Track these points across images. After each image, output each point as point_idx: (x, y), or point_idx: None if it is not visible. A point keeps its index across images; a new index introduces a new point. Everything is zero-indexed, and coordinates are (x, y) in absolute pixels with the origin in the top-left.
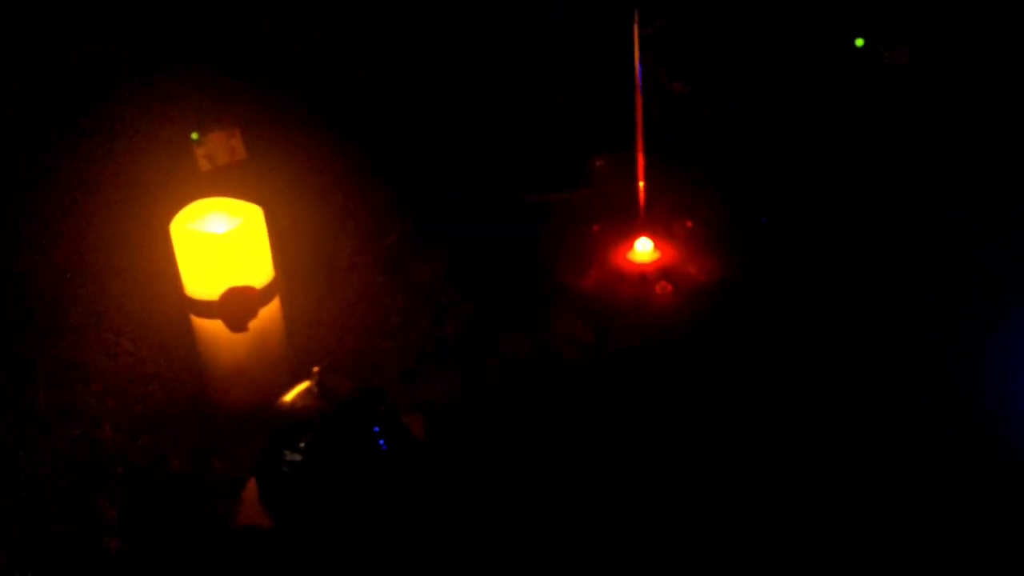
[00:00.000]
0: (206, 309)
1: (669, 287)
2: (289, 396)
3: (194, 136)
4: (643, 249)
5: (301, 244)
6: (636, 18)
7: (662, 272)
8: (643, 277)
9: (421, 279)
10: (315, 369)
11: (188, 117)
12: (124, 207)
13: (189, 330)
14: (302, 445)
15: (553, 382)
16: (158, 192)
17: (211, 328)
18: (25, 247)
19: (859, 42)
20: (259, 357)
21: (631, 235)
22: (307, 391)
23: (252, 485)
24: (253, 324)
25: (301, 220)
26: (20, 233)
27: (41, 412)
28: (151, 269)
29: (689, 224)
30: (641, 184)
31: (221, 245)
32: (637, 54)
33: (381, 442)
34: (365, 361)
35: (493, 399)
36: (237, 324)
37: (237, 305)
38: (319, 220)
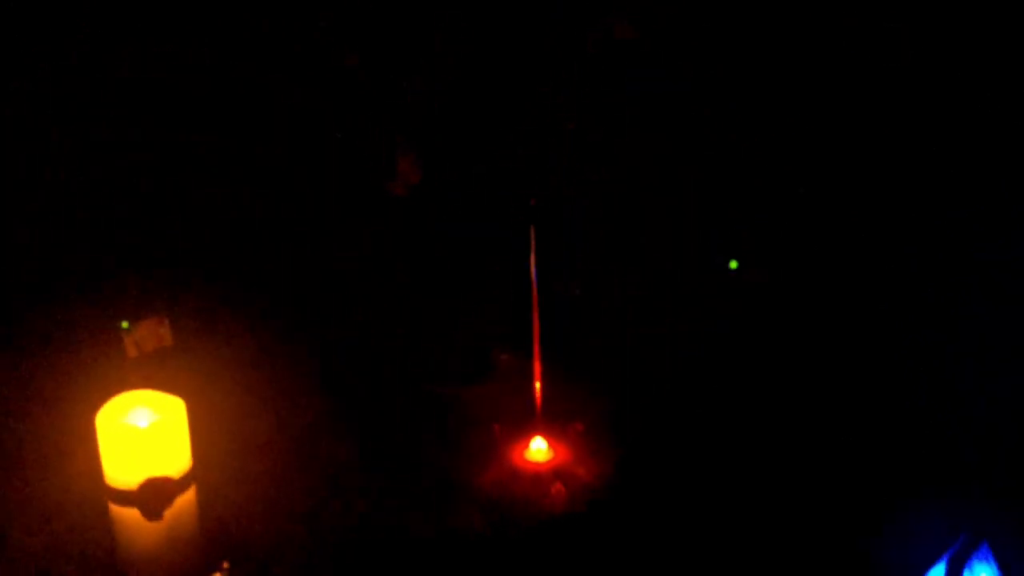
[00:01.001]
0: (124, 497)
1: (563, 489)
2: None
3: (124, 325)
4: (538, 449)
5: (220, 427)
6: (532, 232)
7: (555, 472)
8: (537, 476)
9: (335, 461)
10: (224, 565)
11: (119, 308)
12: (51, 393)
13: (107, 514)
14: None
15: (456, 571)
16: (84, 379)
17: (128, 515)
18: None
19: (733, 264)
20: (173, 543)
21: (528, 435)
22: None
23: None
24: (168, 512)
25: (221, 403)
26: None
27: None
28: (73, 452)
29: (580, 427)
30: (537, 385)
31: (143, 438)
32: (533, 261)
33: None
34: (276, 547)
35: None
36: (153, 513)
37: (154, 495)
38: (239, 403)
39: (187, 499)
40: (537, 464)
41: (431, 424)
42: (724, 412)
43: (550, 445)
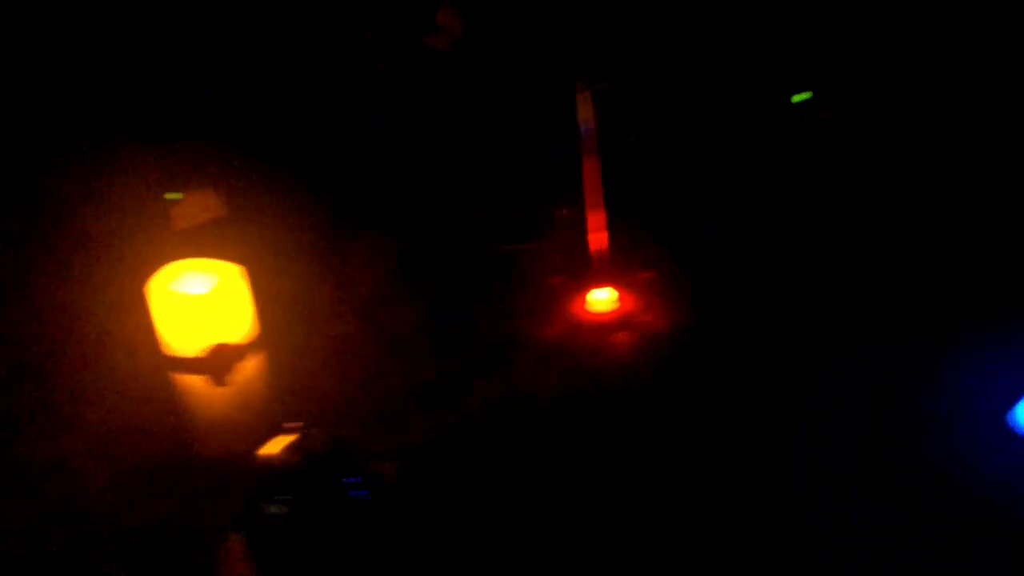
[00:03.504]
0: (187, 365)
1: (627, 337)
2: (270, 450)
3: (174, 196)
4: (603, 298)
5: (283, 298)
6: (577, 84)
7: (622, 321)
8: (602, 326)
9: (396, 327)
10: (295, 424)
11: (167, 177)
12: (106, 267)
13: (169, 384)
14: (283, 498)
15: (519, 426)
16: (138, 251)
17: (192, 383)
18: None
19: (796, 97)
20: (240, 409)
21: (592, 285)
22: (287, 446)
23: (235, 537)
24: (234, 378)
25: (282, 275)
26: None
27: (34, 467)
28: (134, 325)
29: (650, 275)
30: (603, 235)
31: (199, 305)
32: (594, 113)
33: (355, 492)
34: (345, 410)
35: (463, 442)
36: (219, 379)
37: (219, 361)
38: (300, 273)
39: (253, 365)
40: (602, 314)
41: (493, 283)
42: (793, 254)
43: (615, 295)
